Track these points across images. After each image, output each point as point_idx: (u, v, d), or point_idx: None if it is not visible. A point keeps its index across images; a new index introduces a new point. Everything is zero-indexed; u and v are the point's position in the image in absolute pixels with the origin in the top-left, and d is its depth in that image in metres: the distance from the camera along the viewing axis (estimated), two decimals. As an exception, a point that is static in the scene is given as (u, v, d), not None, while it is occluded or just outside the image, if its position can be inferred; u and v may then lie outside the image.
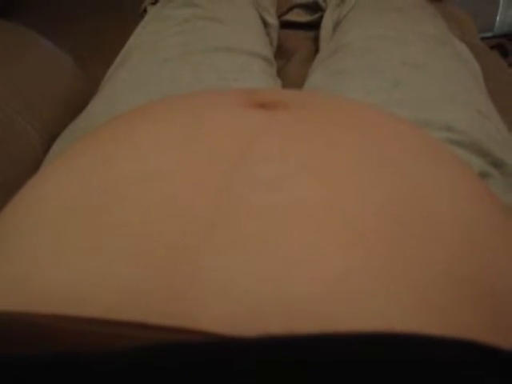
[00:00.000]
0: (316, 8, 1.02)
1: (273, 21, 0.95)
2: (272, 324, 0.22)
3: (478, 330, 0.24)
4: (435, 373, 0.17)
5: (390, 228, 0.26)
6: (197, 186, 0.27)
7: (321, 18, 0.97)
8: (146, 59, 0.74)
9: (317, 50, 0.91)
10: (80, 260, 0.25)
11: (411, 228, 0.26)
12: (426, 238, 0.26)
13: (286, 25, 1.02)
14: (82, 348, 0.19)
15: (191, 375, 0.16)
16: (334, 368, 0.17)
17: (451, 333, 0.23)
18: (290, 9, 1.04)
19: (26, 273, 0.26)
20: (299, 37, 1.00)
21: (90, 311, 0.23)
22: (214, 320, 0.22)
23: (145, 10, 0.97)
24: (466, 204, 0.30)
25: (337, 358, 0.17)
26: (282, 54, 0.94)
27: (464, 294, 0.25)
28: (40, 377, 0.16)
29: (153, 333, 0.21)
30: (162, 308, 0.23)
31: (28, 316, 0.23)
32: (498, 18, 1.53)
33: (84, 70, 0.84)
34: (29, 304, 0.24)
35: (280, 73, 0.85)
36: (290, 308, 0.22)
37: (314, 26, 0.99)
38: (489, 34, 1.49)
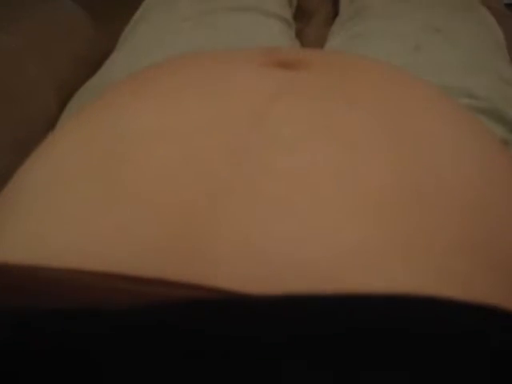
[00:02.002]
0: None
1: (292, -19, 0.94)
2: (288, 285, 0.22)
3: (496, 297, 0.24)
4: (460, 339, 0.16)
5: (407, 194, 0.26)
6: (215, 145, 0.27)
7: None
8: (164, 18, 0.74)
9: (337, 13, 0.89)
10: (97, 217, 0.25)
11: (429, 194, 0.26)
12: (442, 204, 0.26)
13: (305, -14, 1.00)
14: (100, 303, 0.19)
15: (215, 333, 0.16)
16: (357, 329, 0.16)
17: (471, 299, 0.23)
18: (310, -30, 1.02)
19: (45, 230, 0.26)
20: (319, -1, 0.99)
21: (106, 268, 0.23)
22: (228, 279, 0.22)
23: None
24: (485, 170, 0.30)
25: (362, 317, 0.17)
26: (301, 15, 0.93)
27: (481, 261, 0.25)
28: (69, 328, 0.16)
29: (169, 289, 0.21)
30: (178, 266, 0.23)
31: (41, 269, 0.23)
32: (522, -16, 1.50)
33: (101, 27, 0.83)
34: (45, 260, 0.24)
35: (299, 35, 0.84)
36: (307, 270, 0.22)
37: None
38: (512, 1, 1.46)
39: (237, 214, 0.24)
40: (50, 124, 0.64)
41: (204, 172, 0.26)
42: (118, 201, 0.25)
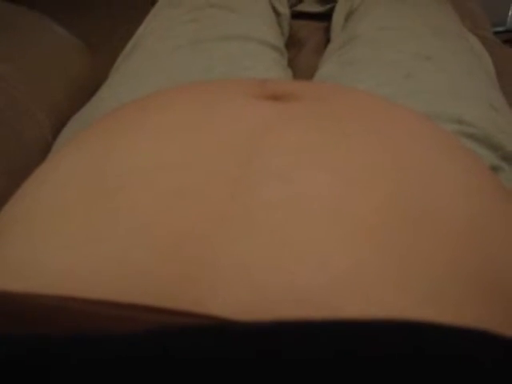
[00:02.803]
0: (328, -1, 1.01)
1: (284, 11, 0.94)
2: (281, 313, 0.22)
3: (489, 322, 0.24)
4: (447, 363, 0.16)
5: (400, 221, 0.26)
6: (209, 176, 0.27)
7: (333, 8, 0.97)
8: (157, 46, 0.74)
9: (328, 41, 0.90)
10: (90, 245, 0.25)
11: (420, 221, 0.26)
12: (436, 230, 0.26)
13: (297, 15, 1.01)
14: (93, 330, 0.19)
15: (204, 359, 0.16)
16: (345, 352, 0.16)
17: (462, 324, 0.23)
18: (302, -1, 1.04)
19: (37, 256, 0.26)
20: (311, 27, 1.00)
21: (100, 295, 0.23)
22: (224, 307, 0.22)
23: (156, -2, 0.97)
24: (475, 197, 0.30)
25: (350, 342, 0.17)
26: (293, 44, 0.94)
27: (474, 287, 0.25)
28: (58, 358, 0.16)
29: (163, 316, 0.21)
30: (172, 293, 0.23)
31: (39, 297, 0.23)
32: (510, 13, 1.52)
33: (95, 55, 0.84)
34: (41, 287, 0.24)
35: (291, 63, 0.85)
36: (300, 298, 0.22)
37: (326, 16, 0.98)
38: (501, 29, 1.48)
39: (232, 242, 0.24)
40: (46, 152, 0.65)
41: (199, 202, 0.26)
42: (113, 229, 0.26)
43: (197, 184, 0.27)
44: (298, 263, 0.23)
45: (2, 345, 0.16)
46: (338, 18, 0.92)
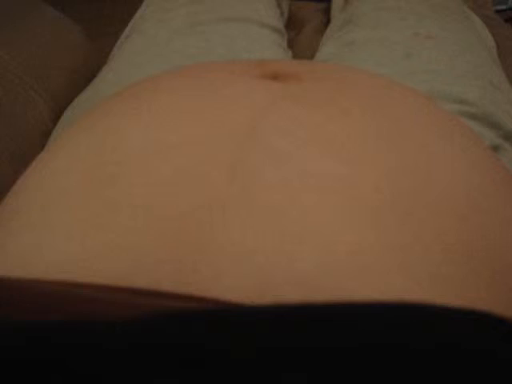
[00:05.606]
0: (328, -21, 1.00)
1: (284, -8, 0.94)
2: (284, 297, 0.22)
3: (493, 305, 0.24)
4: (449, 345, 0.16)
5: (402, 201, 0.26)
6: (210, 158, 0.27)
7: (332, -11, 0.96)
8: (156, 29, 0.74)
9: (328, 22, 0.90)
10: (92, 231, 0.25)
11: (424, 201, 0.26)
12: (438, 210, 0.26)
13: (297, -4, 1.01)
14: (93, 315, 0.19)
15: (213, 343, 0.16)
16: (349, 336, 0.16)
17: (465, 306, 0.23)
18: (302, -20, 1.03)
19: (39, 244, 0.26)
20: (310, 8, 0.99)
21: (101, 281, 0.23)
22: (226, 291, 0.22)
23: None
24: (479, 176, 0.30)
25: (352, 326, 0.17)
26: (293, 25, 0.93)
27: (478, 268, 0.25)
28: (58, 344, 0.16)
29: (165, 301, 0.21)
30: (173, 279, 0.23)
31: (39, 283, 0.23)
32: (512, -9, 1.50)
33: (93, 40, 0.83)
34: (41, 275, 0.24)
35: (291, 44, 0.84)
36: (303, 281, 0.22)
37: (326, -3, 0.98)
38: (503, 7, 1.47)
39: (232, 226, 0.24)
40: (45, 137, 0.65)
41: (197, 186, 0.26)
42: (112, 216, 0.25)
43: (195, 167, 0.27)
44: (299, 246, 0.23)
45: (1, 334, 0.16)
46: (338, -2, 0.92)
